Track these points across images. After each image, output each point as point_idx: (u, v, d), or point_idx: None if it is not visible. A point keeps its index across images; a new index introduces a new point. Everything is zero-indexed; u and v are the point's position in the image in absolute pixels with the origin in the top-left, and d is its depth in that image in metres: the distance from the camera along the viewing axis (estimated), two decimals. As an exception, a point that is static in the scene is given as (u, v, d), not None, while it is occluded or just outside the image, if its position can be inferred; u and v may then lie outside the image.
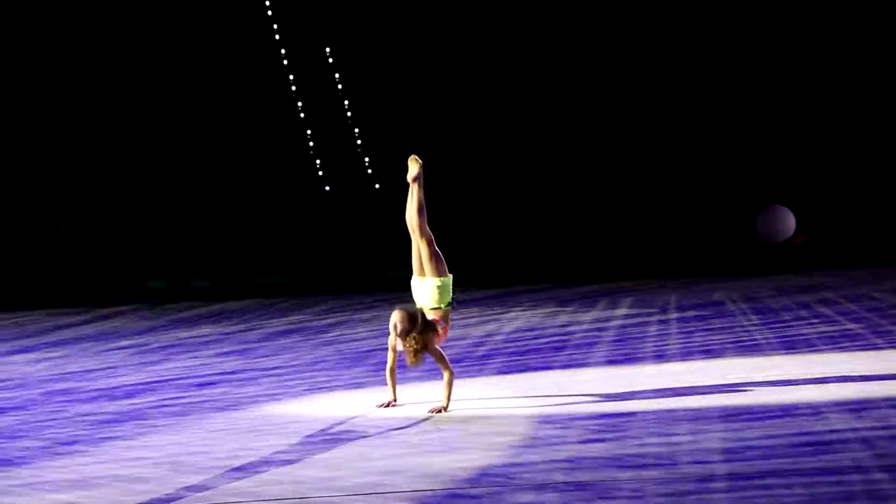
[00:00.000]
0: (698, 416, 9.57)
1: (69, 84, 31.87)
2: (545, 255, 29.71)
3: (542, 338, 15.76)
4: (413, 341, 10.31)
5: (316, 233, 31.36)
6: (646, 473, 7.76)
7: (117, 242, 31.49)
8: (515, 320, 18.11)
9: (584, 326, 16.80)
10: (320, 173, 32.28)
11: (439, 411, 10.40)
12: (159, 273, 30.28)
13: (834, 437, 8.58)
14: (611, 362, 13.21)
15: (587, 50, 30.86)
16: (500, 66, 31.06)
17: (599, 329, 16.40)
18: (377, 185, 31.71)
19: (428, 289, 10.69)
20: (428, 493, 7.61)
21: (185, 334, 18.34)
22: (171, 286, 29.37)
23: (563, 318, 17.91)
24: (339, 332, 17.50)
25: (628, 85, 30.75)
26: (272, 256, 30.82)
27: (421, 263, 10.76)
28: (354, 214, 31.43)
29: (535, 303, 20.75)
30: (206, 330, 18.73)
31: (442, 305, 10.65)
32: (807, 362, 12.37)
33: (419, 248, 10.77)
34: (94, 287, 28.83)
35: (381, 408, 10.75)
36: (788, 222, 28.46)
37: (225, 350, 15.98)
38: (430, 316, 10.58)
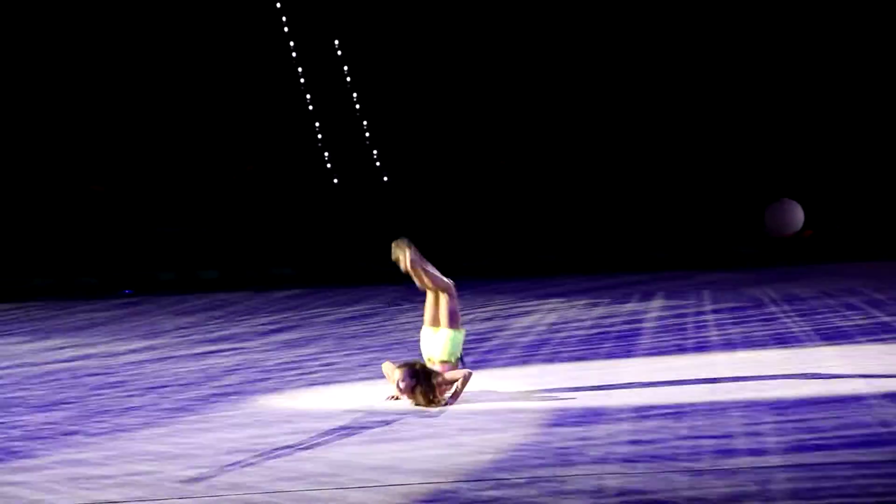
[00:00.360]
0: (750, 409, 9.55)
1: (77, 78, 31.89)
2: (555, 246, 29.76)
3: (582, 329, 15.83)
4: (421, 397, 10.24)
5: (324, 226, 31.42)
6: (704, 469, 7.70)
7: (124, 235, 31.54)
8: (553, 312, 18.16)
9: (623, 318, 16.88)
10: (328, 166, 32.34)
11: (446, 403, 10.31)
12: (168, 266, 30.33)
13: (888, 429, 8.60)
14: (655, 353, 13.26)
15: (597, 46, 30.94)
16: (511, 58, 31.11)
17: (639, 321, 16.46)
18: (385, 178, 31.77)
19: (441, 341, 10.61)
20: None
21: (219, 328, 18.32)
22: (181, 278, 29.44)
23: (600, 311, 17.99)
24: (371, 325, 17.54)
25: (631, 82, 30.85)
26: (280, 249, 30.87)
27: (434, 314, 10.69)
28: (363, 207, 31.49)
29: (567, 295, 20.80)
30: (246, 325, 18.61)
31: (452, 359, 10.59)
32: (848, 354, 12.43)
33: (436, 300, 10.70)
34: (107, 280, 28.83)
35: (391, 400, 10.63)
36: (797, 215, 28.54)
37: (268, 344, 15.88)
38: (437, 367, 10.50)
